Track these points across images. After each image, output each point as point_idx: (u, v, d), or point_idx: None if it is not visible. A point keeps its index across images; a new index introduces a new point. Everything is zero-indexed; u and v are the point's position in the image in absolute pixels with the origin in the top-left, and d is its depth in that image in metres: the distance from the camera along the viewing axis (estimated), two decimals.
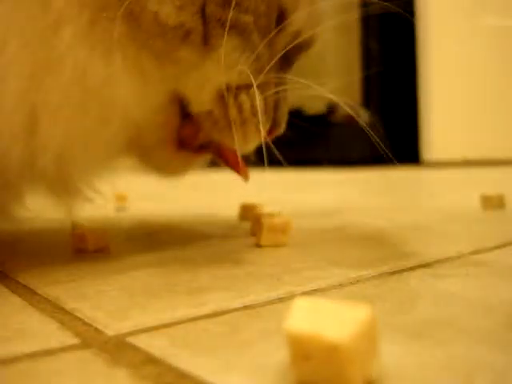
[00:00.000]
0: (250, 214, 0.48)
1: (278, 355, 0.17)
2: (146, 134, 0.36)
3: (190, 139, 0.37)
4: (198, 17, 0.30)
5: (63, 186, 0.35)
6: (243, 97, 0.33)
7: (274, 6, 0.33)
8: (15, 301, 0.26)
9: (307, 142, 1.93)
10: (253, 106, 0.33)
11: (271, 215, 0.39)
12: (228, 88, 0.33)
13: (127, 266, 0.33)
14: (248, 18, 0.32)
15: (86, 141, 0.31)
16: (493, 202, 0.56)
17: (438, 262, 0.32)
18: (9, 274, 0.31)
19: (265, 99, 0.34)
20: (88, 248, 0.37)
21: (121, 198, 0.70)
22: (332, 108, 1.89)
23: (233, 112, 0.33)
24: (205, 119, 0.34)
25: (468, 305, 0.23)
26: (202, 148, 0.37)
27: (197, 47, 0.30)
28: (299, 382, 0.15)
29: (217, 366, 0.17)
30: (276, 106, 0.36)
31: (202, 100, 0.33)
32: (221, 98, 0.33)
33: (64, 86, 0.29)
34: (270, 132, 0.36)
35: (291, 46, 0.35)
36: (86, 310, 0.24)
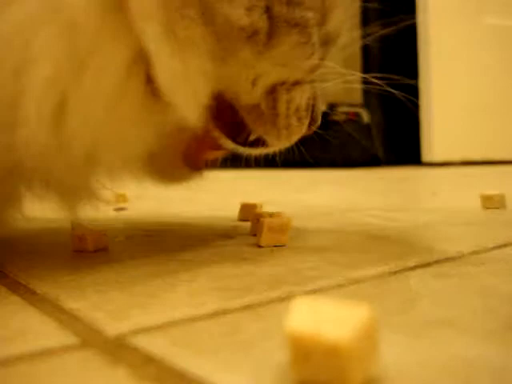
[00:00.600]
0: (250, 213, 0.48)
1: (278, 355, 0.17)
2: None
3: (195, 156, 0.37)
4: (265, 16, 0.30)
5: (78, 185, 0.34)
6: (295, 92, 0.34)
7: (323, 2, 0.34)
8: (15, 301, 0.26)
9: (307, 142, 1.93)
10: (301, 103, 0.34)
11: (271, 215, 0.39)
12: (281, 83, 0.33)
13: (127, 266, 0.33)
14: (309, 15, 0.32)
15: (114, 142, 0.31)
16: (493, 202, 0.56)
17: (438, 261, 0.32)
18: (9, 274, 0.31)
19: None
20: (88, 248, 0.37)
21: (121, 198, 0.70)
22: (332, 108, 1.89)
23: (282, 107, 0.33)
24: (249, 112, 0.34)
25: (468, 305, 0.23)
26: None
27: (260, 46, 0.31)
28: (299, 382, 0.15)
29: (217, 366, 0.17)
30: (313, 102, 0.37)
31: (252, 94, 0.33)
32: (271, 92, 0.33)
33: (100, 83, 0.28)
34: (308, 128, 0.37)
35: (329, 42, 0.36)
36: (85, 309, 0.24)
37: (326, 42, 0.36)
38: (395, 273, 0.29)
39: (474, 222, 0.48)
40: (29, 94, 0.27)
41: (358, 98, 1.98)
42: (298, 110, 0.34)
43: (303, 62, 0.33)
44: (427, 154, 1.93)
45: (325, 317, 0.15)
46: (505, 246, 0.36)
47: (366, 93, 2.01)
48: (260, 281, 0.28)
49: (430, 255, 0.33)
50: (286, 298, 0.25)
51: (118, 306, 0.24)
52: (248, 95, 0.33)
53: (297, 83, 0.34)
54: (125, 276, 0.30)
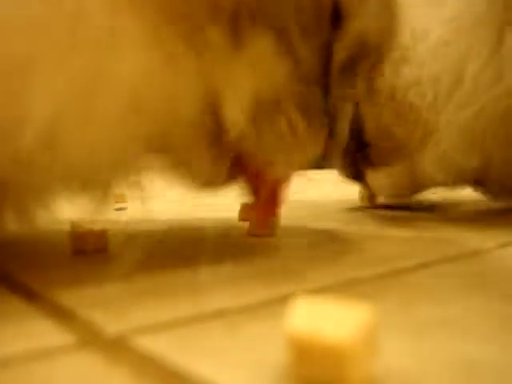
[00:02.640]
0: (249, 214, 0.48)
1: (278, 355, 0.17)
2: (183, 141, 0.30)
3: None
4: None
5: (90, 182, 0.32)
6: (281, 114, 0.28)
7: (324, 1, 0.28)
8: (14, 301, 0.26)
9: None
10: (293, 126, 0.28)
11: None
12: (263, 102, 0.28)
13: (127, 266, 0.33)
14: (285, 11, 0.26)
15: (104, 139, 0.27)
16: None
17: (438, 261, 0.31)
18: (8, 274, 0.31)
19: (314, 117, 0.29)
20: (88, 248, 0.37)
21: (121, 198, 0.70)
22: None
23: (266, 133, 0.28)
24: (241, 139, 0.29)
25: (468, 305, 0.23)
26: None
27: (226, 31, 0.26)
28: (299, 382, 0.15)
29: (217, 366, 0.17)
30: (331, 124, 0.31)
31: (237, 118, 0.28)
32: (257, 115, 0.28)
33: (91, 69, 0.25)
34: (325, 154, 0.32)
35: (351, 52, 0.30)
36: (85, 309, 0.24)
37: (365, 55, 0.31)
38: (395, 273, 0.29)
39: (473, 221, 0.48)
40: None
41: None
42: (295, 136, 0.29)
43: (285, 72, 0.28)
44: None
45: (325, 317, 0.15)
46: (505, 245, 0.36)
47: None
48: (260, 281, 0.28)
49: (430, 255, 0.33)
50: (286, 298, 0.25)
51: (117, 305, 0.24)
52: (234, 117, 0.28)
53: (284, 101, 0.28)
54: (125, 276, 0.30)
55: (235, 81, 0.27)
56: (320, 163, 0.35)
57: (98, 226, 0.38)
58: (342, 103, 0.31)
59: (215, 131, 0.29)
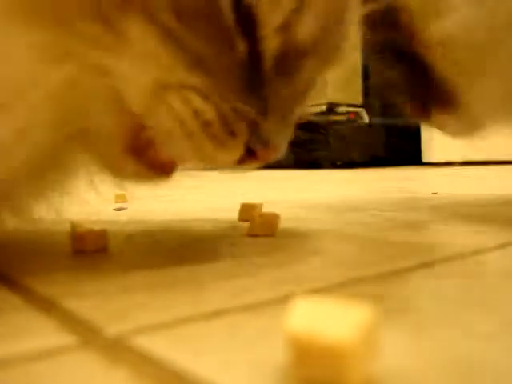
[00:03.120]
0: (249, 213, 0.48)
1: (278, 355, 0.17)
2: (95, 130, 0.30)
3: (141, 149, 0.30)
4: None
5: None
6: (176, 100, 0.27)
7: None
8: (15, 301, 0.26)
9: (307, 141, 1.93)
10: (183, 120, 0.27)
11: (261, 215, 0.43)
12: (164, 86, 0.27)
13: (127, 265, 0.33)
14: None
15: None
16: None
17: (438, 261, 0.31)
18: (8, 274, 0.31)
19: (221, 109, 0.27)
20: (88, 248, 0.37)
21: (120, 198, 0.70)
22: (332, 108, 1.89)
23: (162, 119, 0.27)
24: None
25: (468, 305, 0.23)
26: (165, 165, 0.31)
27: (101, 26, 0.25)
28: (299, 382, 0.15)
29: (217, 366, 0.17)
30: (256, 125, 0.28)
31: (133, 100, 0.27)
32: (156, 99, 0.27)
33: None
34: (256, 155, 0.29)
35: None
36: (85, 309, 0.24)
37: (298, 52, 0.29)
38: (395, 273, 0.29)
39: (473, 221, 0.48)
40: None
41: (358, 98, 1.99)
42: (207, 125, 0.27)
43: (170, 58, 0.26)
44: (427, 154, 1.93)
45: (325, 317, 0.15)
46: (505, 245, 0.36)
47: (366, 93, 2.01)
48: (260, 281, 0.28)
49: (430, 255, 0.33)
50: (286, 298, 0.25)
51: (117, 305, 0.24)
52: (131, 98, 0.27)
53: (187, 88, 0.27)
54: (124, 276, 0.30)
55: (127, 73, 0.26)
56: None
57: (98, 226, 0.38)
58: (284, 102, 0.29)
59: (128, 125, 0.29)
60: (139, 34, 0.25)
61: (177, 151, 0.29)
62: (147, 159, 0.30)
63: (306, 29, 0.28)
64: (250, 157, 0.29)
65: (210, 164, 0.29)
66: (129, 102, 0.27)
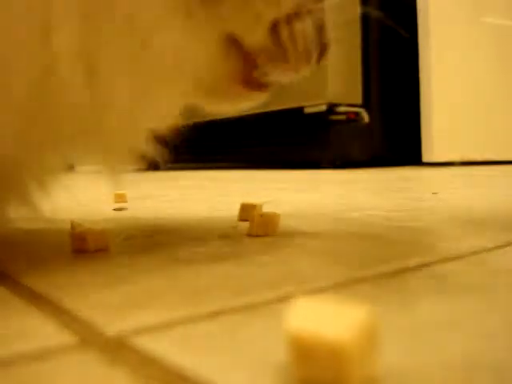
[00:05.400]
0: (249, 213, 0.48)
1: (278, 355, 0.17)
2: (209, 77, 0.35)
3: (254, 78, 0.37)
4: None
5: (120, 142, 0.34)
6: (297, 26, 0.34)
7: None
8: (15, 301, 0.26)
9: (307, 142, 1.93)
10: (305, 34, 0.34)
11: (262, 215, 0.43)
12: (281, 19, 0.33)
13: (127, 266, 0.33)
14: None
15: (147, 94, 0.31)
16: None
17: (438, 261, 0.31)
18: (8, 274, 0.31)
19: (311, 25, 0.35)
20: (88, 248, 0.37)
21: (120, 198, 0.70)
22: (332, 108, 1.89)
23: (287, 42, 0.34)
24: (259, 53, 0.35)
25: (468, 305, 0.23)
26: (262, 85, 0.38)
27: None
28: (299, 382, 0.15)
29: (217, 366, 0.17)
30: (320, 29, 0.37)
31: (256, 37, 0.34)
32: (273, 29, 0.34)
33: (118, 30, 0.28)
34: (320, 56, 0.37)
35: None
36: (85, 309, 0.24)
37: None
38: (395, 273, 0.29)
39: (474, 221, 0.48)
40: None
41: (358, 97, 1.98)
42: (304, 41, 0.35)
43: None
44: (427, 154, 1.93)
45: (325, 317, 0.15)
46: (505, 245, 0.36)
47: (366, 93, 2.01)
48: (260, 281, 0.28)
49: (431, 255, 0.33)
50: (286, 298, 0.25)
51: (118, 305, 0.24)
52: (253, 36, 0.34)
53: (295, 16, 0.34)
54: (125, 276, 0.30)
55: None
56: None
57: (98, 226, 0.38)
58: None
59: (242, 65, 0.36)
60: None
61: (281, 70, 0.36)
62: (252, 84, 0.37)
63: None
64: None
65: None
66: (252, 42, 0.34)
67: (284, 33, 0.34)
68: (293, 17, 0.34)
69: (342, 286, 0.27)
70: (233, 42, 0.34)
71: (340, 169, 1.82)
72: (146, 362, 0.18)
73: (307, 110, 1.91)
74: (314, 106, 1.89)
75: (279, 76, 0.36)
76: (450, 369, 0.16)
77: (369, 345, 0.15)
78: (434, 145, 1.90)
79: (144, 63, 0.30)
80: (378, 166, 1.93)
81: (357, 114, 1.96)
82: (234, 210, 0.53)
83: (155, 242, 0.42)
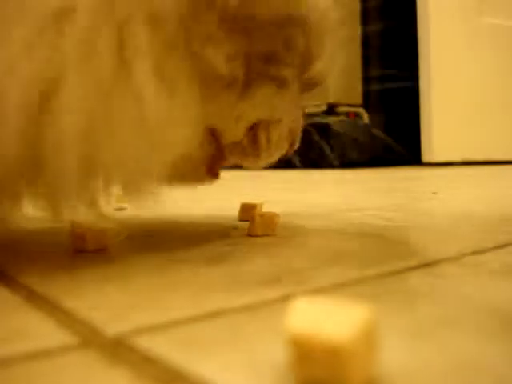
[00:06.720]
0: (249, 213, 0.48)
1: (278, 355, 0.17)
2: (185, 164, 0.37)
3: (217, 167, 0.41)
4: (243, 69, 0.33)
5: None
6: (273, 129, 0.38)
7: (306, 56, 0.37)
8: (15, 300, 0.26)
9: (307, 142, 1.93)
10: (281, 137, 0.39)
11: (262, 215, 0.43)
12: (261, 122, 0.37)
13: (127, 265, 0.33)
14: (287, 72, 0.36)
15: (139, 165, 0.33)
16: None
17: (438, 261, 0.31)
18: (8, 274, 0.31)
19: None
20: (88, 248, 0.37)
21: (121, 198, 0.70)
22: (332, 108, 1.89)
23: (263, 144, 0.38)
24: (233, 147, 0.38)
25: (468, 305, 0.23)
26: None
27: (238, 92, 0.34)
28: (299, 382, 0.15)
29: (217, 366, 0.17)
30: (294, 130, 0.41)
31: (235, 133, 0.37)
32: (250, 129, 0.37)
33: (126, 113, 0.29)
34: (286, 152, 0.42)
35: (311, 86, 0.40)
36: (85, 309, 0.24)
37: (309, 85, 0.40)
38: (395, 273, 0.29)
39: (474, 221, 0.48)
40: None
41: (358, 98, 1.98)
42: (278, 143, 0.39)
43: (281, 106, 0.37)
44: (427, 154, 1.93)
45: (325, 317, 0.15)
46: (505, 246, 0.36)
47: (366, 93, 2.01)
48: (260, 281, 0.28)
49: (430, 255, 0.33)
50: (286, 298, 0.25)
51: (118, 305, 0.24)
52: (233, 132, 0.37)
53: (277, 121, 0.38)
54: (125, 276, 0.30)
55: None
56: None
57: (97, 226, 0.38)
58: None
59: (211, 154, 0.39)
60: (262, 95, 0.35)
61: (247, 162, 0.40)
62: (213, 171, 0.41)
63: None
64: None
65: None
66: (230, 137, 0.37)
67: (262, 135, 0.38)
68: (272, 122, 0.37)
69: (342, 286, 0.27)
70: (212, 133, 0.37)
71: (340, 169, 1.82)
72: (145, 362, 0.18)
73: (307, 110, 1.91)
74: (314, 105, 1.89)
75: (240, 163, 0.40)
76: (450, 369, 0.16)
77: (369, 345, 0.15)
78: (434, 145, 1.90)
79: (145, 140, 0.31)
80: (377, 166, 1.93)
81: (357, 114, 1.96)
82: (234, 210, 0.53)
83: (155, 242, 0.42)
